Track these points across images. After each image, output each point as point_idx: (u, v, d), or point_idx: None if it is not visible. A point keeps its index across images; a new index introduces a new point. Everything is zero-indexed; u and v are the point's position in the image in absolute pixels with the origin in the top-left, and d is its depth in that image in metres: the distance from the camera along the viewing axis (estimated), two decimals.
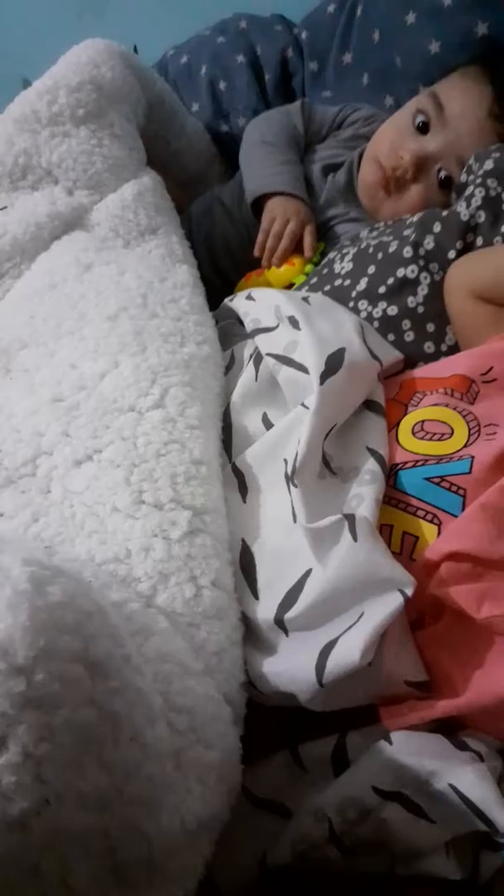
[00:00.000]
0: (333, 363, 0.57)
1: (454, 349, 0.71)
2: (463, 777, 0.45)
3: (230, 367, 0.71)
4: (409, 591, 0.45)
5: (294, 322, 0.62)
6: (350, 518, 0.49)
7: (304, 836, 0.47)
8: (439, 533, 0.52)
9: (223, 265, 1.03)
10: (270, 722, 0.54)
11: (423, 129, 0.85)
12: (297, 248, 0.90)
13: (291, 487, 0.53)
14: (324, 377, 0.56)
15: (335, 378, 0.56)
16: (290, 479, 0.54)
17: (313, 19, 1.17)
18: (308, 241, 0.88)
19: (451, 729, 0.49)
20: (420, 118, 0.85)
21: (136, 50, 1.54)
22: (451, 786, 0.45)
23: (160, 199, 0.87)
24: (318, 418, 0.54)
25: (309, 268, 0.86)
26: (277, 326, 0.66)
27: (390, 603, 0.45)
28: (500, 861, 0.45)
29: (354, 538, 0.48)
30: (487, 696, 0.47)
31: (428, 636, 0.51)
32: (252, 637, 0.54)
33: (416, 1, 0.98)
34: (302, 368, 0.59)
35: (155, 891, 0.41)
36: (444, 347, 0.72)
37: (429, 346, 0.73)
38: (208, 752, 0.45)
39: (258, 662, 0.52)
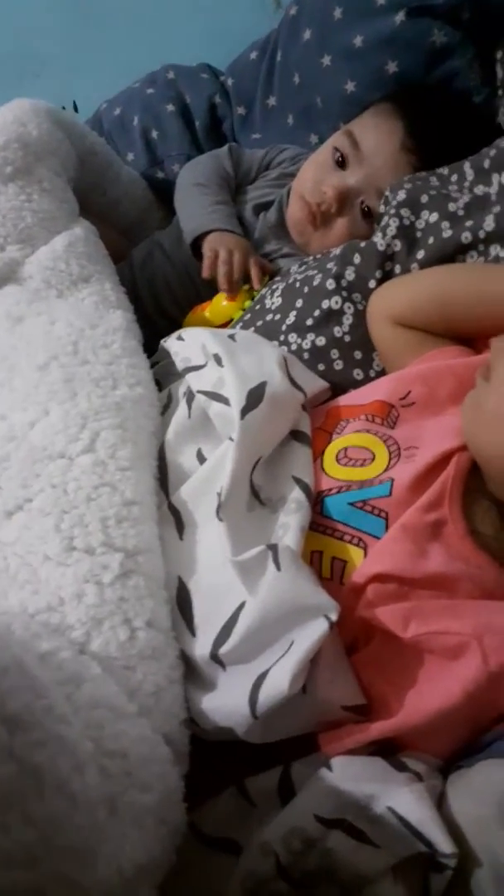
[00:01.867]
0: (254, 397, 0.58)
1: (382, 374, 0.73)
2: (401, 799, 0.45)
3: (168, 406, 0.72)
4: (334, 616, 0.46)
5: (218, 359, 0.64)
6: (273, 548, 0.50)
7: (252, 872, 0.47)
8: (366, 556, 0.53)
9: (166, 307, 1.04)
10: (218, 758, 0.54)
11: (342, 164, 0.88)
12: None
13: (218, 522, 0.54)
14: (245, 412, 0.57)
15: (256, 412, 0.57)
16: (217, 513, 0.54)
17: (237, 66, 1.22)
18: (255, 272, 0.90)
19: (390, 750, 0.50)
20: (338, 155, 0.88)
21: (75, 106, 1.59)
22: (390, 808, 0.45)
23: (92, 247, 0.89)
24: (241, 452, 0.55)
25: (248, 303, 0.88)
26: (206, 364, 0.67)
27: (316, 630, 0.46)
28: (445, 882, 0.45)
29: (278, 568, 0.49)
30: (419, 714, 0.47)
31: (362, 659, 0.52)
32: (192, 674, 0.54)
33: (330, 44, 1.02)
34: (229, 403, 0.60)
35: None
36: (372, 373, 0.74)
37: (357, 373, 0.75)
38: (145, 795, 0.44)
39: (198, 699, 0.52)
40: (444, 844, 0.43)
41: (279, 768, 0.51)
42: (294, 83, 1.11)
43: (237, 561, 0.51)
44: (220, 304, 0.90)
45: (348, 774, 0.47)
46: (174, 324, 0.99)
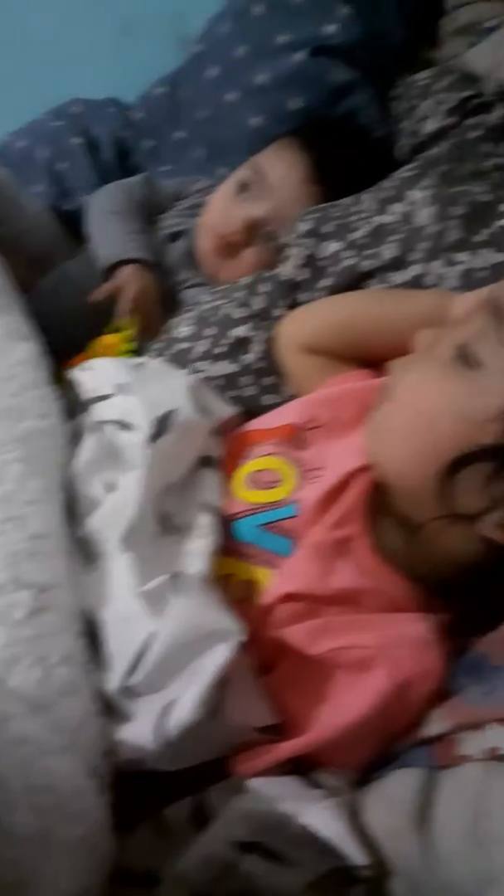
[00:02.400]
0: (160, 426, 0.59)
1: (292, 399, 0.75)
2: (314, 816, 0.45)
3: (77, 437, 0.71)
4: (239, 640, 0.46)
5: (125, 389, 0.64)
6: (177, 576, 0.50)
7: None
8: (275, 576, 0.53)
9: (76, 337, 1.04)
10: (136, 790, 0.53)
11: (249, 196, 0.91)
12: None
13: (123, 553, 0.54)
14: (151, 439, 0.57)
15: (162, 440, 0.58)
16: (121, 543, 0.54)
17: (145, 100, 1.24)
18: (153, 323, 0.91)
19: (307, 768, 0.50)
20: (244, 187, 0.91)
21: None
22: (305, 826, 0.45)
23: None
24: (148, 480, 0.56)
25: (130, 346, 0.88)
26: (113, 394, 0.67)
27: (221, 655, 0.46)
28: (363, 894, 0.45)
29: (182, 596, 0.49)
30: (329, 729, 0.48)
31: (275, 678, 0.52)
32: (109, 706, 0.53)
33: (235, 81, 1.05)
34: (137, 432, 0.61)
35: None
36: (282, 399, 0.76)
37: (268, 399, 0.76)
38: (75, 828, 0.44)
39: (114, 730, 0.51)
40: (358, 857, 0.43)
41: (195, 796, 0.50)
42: (200, 117, 1.14)
43: (143, 592, 0.51)
44: (102, 344, 0.90)
45: (262, 796, 0.47)
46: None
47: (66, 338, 1.01)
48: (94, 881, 0.45)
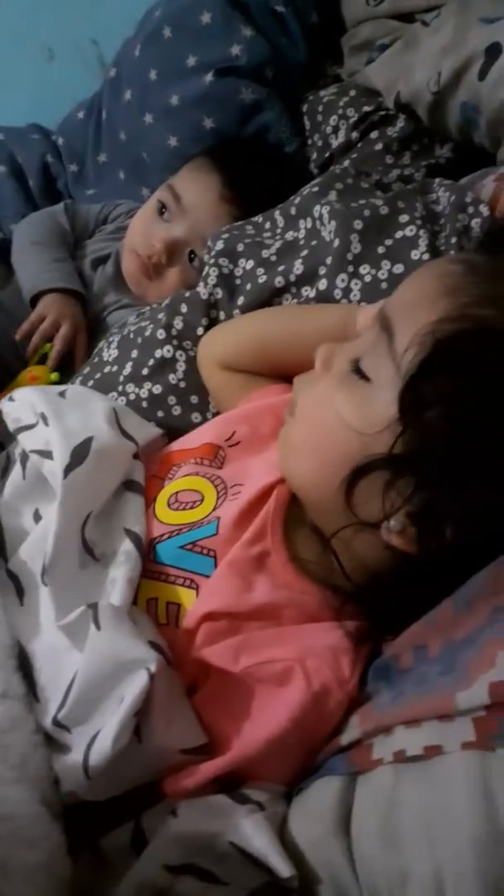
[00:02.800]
0: (78, 455, 0.59)
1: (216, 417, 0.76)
2: (240, 832, 0.46)
3: (7, 469, 0.71)
4: (153, 668, 0.47)
5: (45, 418, 0.64)
6: (94, 607, 0.50)
7: None
8: (198, 596, 0.54)
9: (10, 364, 1.04)
10: (76, 819, 0.53)
11: (167, 218, 0.92)
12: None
13: (42, 586, 0.54)
14: (67, 470, 0.57)
15: (80, 469, 0.58)
16: (41, 577, 0.54)
17: (67, 126, 1.25)
18: (80, 351, 0.92)
19: (235, 784, 0.51)
20: (162, 208, 0.92)
21: None
22: (232, 843, 0.46)
23: None
24: (64, 512, 0.56)
25: (54, 376, 0.89)
26: (37, 423, 0.67)
27: (137, 684, 0.46)
28: None
29: (98, 627, 0.49)
30: (251, 745, 0.49)
31: (201, 698, 0.53)
32: (50, 739, 0.53)
33: (150, 103, 1.07)
34: None
35: None
36: (209, 416, 0.77)
37: (196, 417, 0.77)
38: (34, 854, 0.45)
39: (54, 762, 0.52)
40: (282, 869, 0.44)
41: (131, 823, 0.51)
42: (121, 140, 1.15)
43: (61, 625, 0.51)
44: (25, 379, 0.91)
45: (192, 817, 0.48)
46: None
47: (2, 368, 1.02)
48: None
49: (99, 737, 0.47)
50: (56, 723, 0.51)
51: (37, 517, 0.64)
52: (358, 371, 0.51)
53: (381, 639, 0.52)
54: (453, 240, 0.64)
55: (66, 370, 0.93)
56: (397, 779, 0.42)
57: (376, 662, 0.49)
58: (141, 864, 0.47)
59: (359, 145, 0.82)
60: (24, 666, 0.55)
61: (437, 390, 0.45)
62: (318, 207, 0.73)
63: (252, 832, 0.46)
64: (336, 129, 0.86)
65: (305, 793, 0.49)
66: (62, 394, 0.71)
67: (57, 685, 0.52)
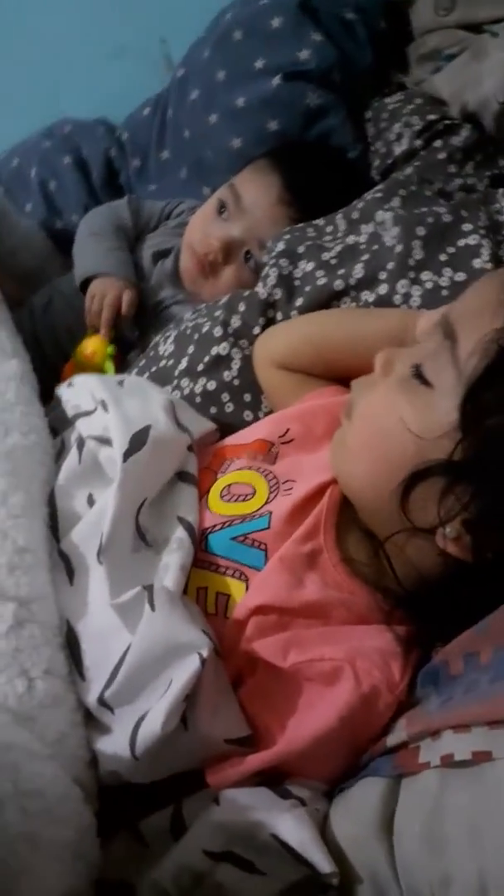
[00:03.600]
0: (137, 441, 0.60)
1: (270, 415, 0.76)
2: (283, 825, 0.47)
3: (62, 453, 0.73)
4: (205, 653, 0.48)
5: (105, 405, 0.65)
6: (149, 589, 0.51)
7: None
8: (248, 588, 0.55)
9: (69, 352, 1.06)
10: (113, 802, 0.54)
11: (227, 217, 0.93)
12: None
13: (98, 566, 0.55)
14: (127, 455, 0.59)
15: (139, 455, 0.59)
16: (98, 557, 0.56)
17: (132, 122, 1.26)
18: (126, 302, 0.94)
19: (277, 779, 0.51)
20: (222, 208, 0.94)
21: None
22: (273, 835, 0.46)
23: None
24: (123, 495, 0.57)
25: (111, 349, 0.91)
26: (95, 410, 0.69)
27: (188, 668, 0.47)
28: None
29: (153, 608, 0.50)
30: (297, 741, 0.49)
31: (247, 691, 0.53)
32: (91, 718, 0.55)
33: (216, 103, 1.08)
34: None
35: None
36: (261, 414, 0.77)
37: (247, 415, 0.78)
38: (63, 831, 0.46)
39: (94, 742, 0.53)
40: (324, 865, 0.45)
41: (171, 807, 0.52)
42: (184, 138, 1.16)
43: (115, 604, 0.52)
44: (84, 354, 0.92)
45: (234, 807, 0.48)
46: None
47: (57, 353, 1.05)
48: (80, 884, 0.46)
49: (147, 718, 0.48)
50: (101, 702, 0.52)
51: (90, 501, 0.65)
52: (419, 376, 0.52)
53: (431, 645, 0.52)
54: None
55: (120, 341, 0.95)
56: (444, 783, 0.42)
57: (426, 668, 0.50)
58: (181, 848, 0.48)
59: (422, 153, 0.83)
60: (71, 645, 0.56)
61: (499, 398, 0.45)
62: (380, 213, 0.74)
63: (294, 826, 0.46)
64: (400, 137, 0.86)
65: (348, 792, 0.49)
66: (120, 383, 0.73)
67: (104, 665, 0.54)
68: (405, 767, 0.45)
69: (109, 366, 0.92)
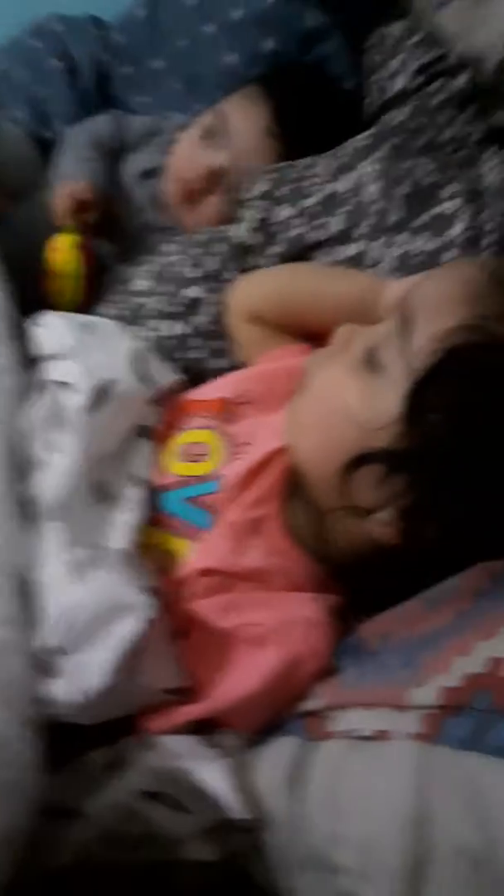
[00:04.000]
0: (98, 395, 0.61)
1: (240, 365, 0.76)
2: (208, 772, 0.51)
3: (30, 394, 0.74)
4: (149, 614, 0.50)
5: (71, 351, 0.66)
6: (97, 548, 0.54)
7: (80, 839, 0.52)
8: (196, 549, 0.57)
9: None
10: (63, 736, 0.58)
11: (212, 144, 0.90)
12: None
13: (54, 520, 0.57)
14: (86, 409, 0.60)
15: (99, 413, 0.60)
16: (52, 510, 0.58)
17: (125, 23, 1.18)
18: (79, 193, 0.92)
19: (210, 727, 0.55)
20: (208, 134, 0.90)
21: None
22: (200, 780, 0.51)
23: None
24: (79, 450, 0.58)
25: (71, 239, 0.88)
26: (62, 355, 0.69)
27: (132, 627, 0.50)
28: (250, 842, 0.51)
29: (100, 567, 0.53)
30: (224, 699, 0.53)
31: (186, 646, 0.56)
32: (42, 663, 0.58)
33: (213, 13, 1.01)
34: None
35: None
36: (230, 364, 0.77)
37: (218, 362, 0.77)
38: (5, 772, 0.49)
39: (45, 684, 0.57)
40: (239, 811, 0.49)
41: (114, 745, 0.56)
42: (179, 48, 1.09)
43: (66, 559, 0.54)
44: (52, 257, 0.89)
45: (166, 752, 0.52)
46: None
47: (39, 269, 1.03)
48: (20, 822, 0.49)
49: (91, 668, 0.51)
50: (49, 649, 0.55)
51: (51, 448, 0.66)
52: (372, 361, 0.52)
53: (357, 618, 0.55)
54: (497, 220, 0.62)
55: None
56: (346, 753, 0.45)
57: (348, 639, 0.52)
58: (117, 787, 0.53)
59: (417, 94, 0.78)
60: (24, 591, 0.59)
61: (442, 397, 0.46)
62: (365, 163, 0.71)
63: (218, 774, 0.51)
64: (396, 73, 0.81)
65: (267, 746, 0.53)
66: (89, 326, 0.73)
67: (55, 613, 0.57)
68: (313, 733, 0.48)
69: (73, 259, 0.88)
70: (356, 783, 0.43)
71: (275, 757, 0.51)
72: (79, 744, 0.58)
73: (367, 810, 0.42)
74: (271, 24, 0.93)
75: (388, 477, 0.49)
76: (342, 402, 0.52)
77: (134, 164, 1.03)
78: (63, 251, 0.89)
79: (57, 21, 1.21)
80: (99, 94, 1.18)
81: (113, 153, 1.04)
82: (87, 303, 0.89)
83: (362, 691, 0.47)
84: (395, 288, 0.61)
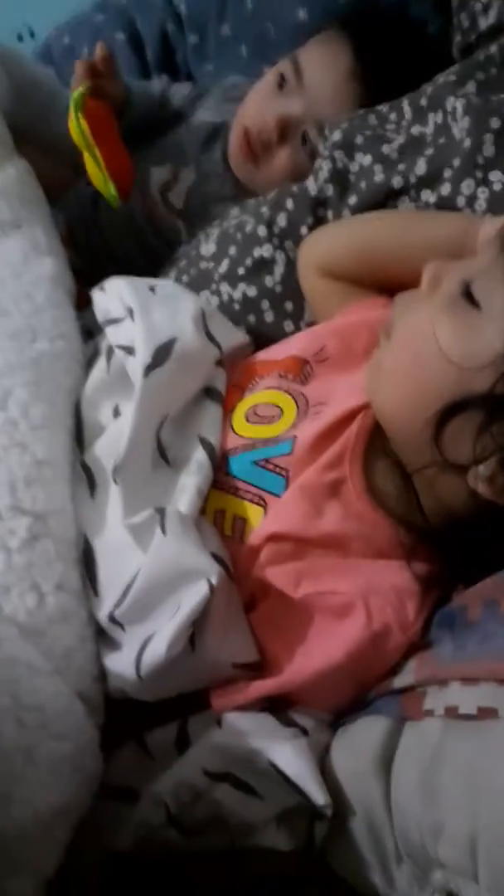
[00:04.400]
0: (161, 354, 0.57)
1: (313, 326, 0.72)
2: (281, 753, 0.47)
3: (93, 360, 0.71)
4: (214, 580, 0.46)
5: (132, 313, 0.62)
6: (162, 512, 0.50)
7: (144, 821, 0.49)
8: (265, 515, 0.53)
9: (114, 248, 1.02)
10: (123, 712, 0.55)
11: (286, 93, 0.85)
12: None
13: (113, 484, 0.54)
14: (148, 370, 0.56)
15: (161, 370, 0.56)
16: (112, 475, 0.54)
17: None
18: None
19: (283, 705, 0.51)
20: (282, 82, 0.85)
21: (31, 32, 1.51)
22: (271, 762, 0.46)
23: (26, 188, 0.85)
24: (141, 413, 0.55)
25: (76, 92, 0.81)
26: (124, 318, 0.65)
27: (197, 593, 0.46)
28: (325, 829, 0.46)
29: (164, 532, 0.49)
30: (303, 673, 0.48)
31: (258, 617, 0.52)
32: (103, 633, 0.55)
33: None
34: None
35: (15, 877, 0.44)
36: (303, 325, 0.72)
37: (288, 325, 0.73)
38: (60, 745, 0.47)
39: (104, 658, 0.53)
40: (317, 796, 0.45)
41: (177, 722, 0.52)
42: (247, 10, 1.06)
43: (128, 524, 0.51)
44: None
45: (236, 730, 0.48)
46: (121, 263, 0.97)
47: (103, 240, 1.01)
48: (79, 797, 0.48)
49: (153, 640, 0.48)
50: (111, 619, 0.52)
51: (116, 413, 0.63)
52: (468, 295, 0.46)
53: (452, 587, 0.49)
54: None
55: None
56: (445, 734, 0.40)
57: (443, 610, 0.47)
58: (182, 765, 0.49)
59: None
60: (87, 560, 0.56)
61: None
62: (451, 99, 0.65)
63: (292, 756, 0.46)
64: (487, 8, 0.74)
65: (351, 727, 0.48)
66: (153, 288, 0.69)
67: (116, 582, 0.53)
68: (408, 712, 0.43)
69: (74, 122, 0.81)
70: (459, 768, 0.38)
71: (360, 738, 0.46)
72: (143, 722, 0.55)
73: (474, 799, 0.36)
74: None
75: (489, 425, 0.43)
76: (433, 345, 0.47)
77: (195, 123, 0.99)
78: (70, 119, 0.81)
79: None
80: (164, 65, 1.16)
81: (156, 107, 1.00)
82: (124, 173, 0.83)
83: (462, 665, 0.41)
84: (493, 222, 0.55)
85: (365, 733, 0.46)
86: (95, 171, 0.82)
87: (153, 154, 0.95)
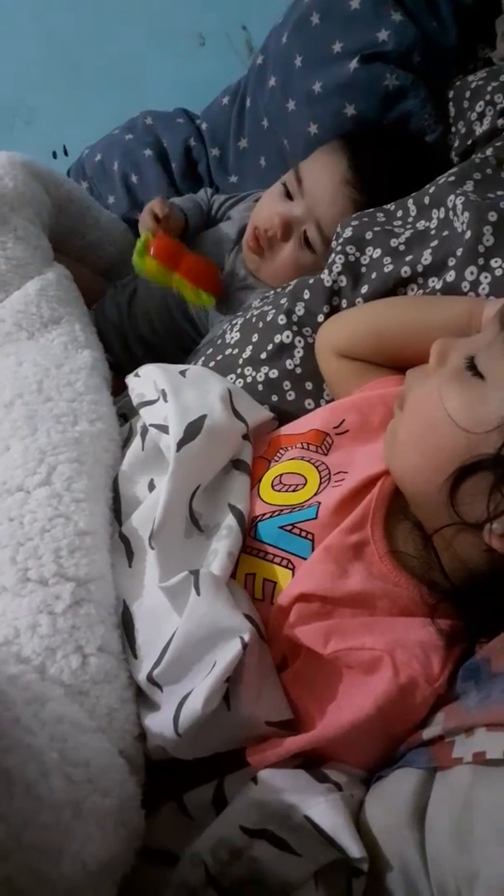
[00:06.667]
0: (192, 430, 0.62)
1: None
2: (317, 809, 0.47)
3: (129, 439, 0.76)
4: (247, 638, 0.49)
5: (165, 395, 0.67)
6: (195, 574, 0.53)
7: (184, 881, 0.49)
8: (293, 577, 0.56)
9: (147, 337, 1.10)
10: (161, 774, 0.56)
11: (290, 198, 0.94)
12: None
13: (149, 550, 0.57)
14: (181, 444, 0.60)
15: (192, 444, 0.61)
16: (149, 541, 0.58)
17: (211, 111, 1.28)
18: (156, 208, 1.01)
19: (316, 762, 0.52)
20: (285, 188, 0.95)
21: (65, 150, 1.66)
22: (307, 817, 0.47)
23: (64, 290, 0.93)
24: (175, 483, 0.59)
25: (139, 241, 0.97)
26: (158, 399, 0.71)
27: (230, 651, 0.49)
28: (363, 885, 0.47)
29: (198, 592, 0.52)
30: (334, 727, 0.50)
31: (290, 675, 0.54)
32: (142, 694, 0.57)
33: (293, 90, 1.07)
34: None
35: None
36: (322, 402, 0.77)
37: (309, 403, 0.78)
38: (106, 800, 0.48)
39: (143, 718, 0.55)
40: (354, 850, 0.45)
41: (214, 782, 0.53)
42: (263, 127, 1.17)
43: (164, 587, 0.54)
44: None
45: (272, 787, 0.49)
46: (151, 354, 1.05)
47: (138, 338, 1.09)
48: (123, 852, 0.49)
49: (190, 697, 0.50)
50: (150, 679, 0.54)
51: (151, 487, 0.68)
52: (472, 368, 0.51)
53: (475, 640, 0.51)
54: None
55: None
56: (475, 780, 0.41)
57: (468, 663, 0.49)
58: (220, 822, 0.50)
59: (502, 134, 0.79)
60: (126, 624, 0.59)
61: None
62: (452, 197, 0.72)
63: (328, 811, 0.47)
64: (482, 116, 0.83)
65: (384, 781, 0.49)
66: (183, 373, 0.75)
67: (154, 644, 0.56)
68: (439, 761, 0.45)
69: (139, 253, 0.97)
70: (489, 813, 0.39)
71: (392, 791, 0.47)
72: (181, 784, 0.56)
73: None
74: (352, 90, 0.97)
75: (500, 484, 0.47)
76: (443, 413, 0.51)
77: (233, 222, 1.09)
78: (135, 258, 0.97)
79: (148, 115, 1.33)
80: (187, 176, 1.27)
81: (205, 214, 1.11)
82: (208, 277, 0.98)
83: (487, 711, 0.43)
84: (496, 303, 0.60)
85: (397, 786, 0.47)
86: (184, 290, 0.97)
87: (195, 248, 1.05)
